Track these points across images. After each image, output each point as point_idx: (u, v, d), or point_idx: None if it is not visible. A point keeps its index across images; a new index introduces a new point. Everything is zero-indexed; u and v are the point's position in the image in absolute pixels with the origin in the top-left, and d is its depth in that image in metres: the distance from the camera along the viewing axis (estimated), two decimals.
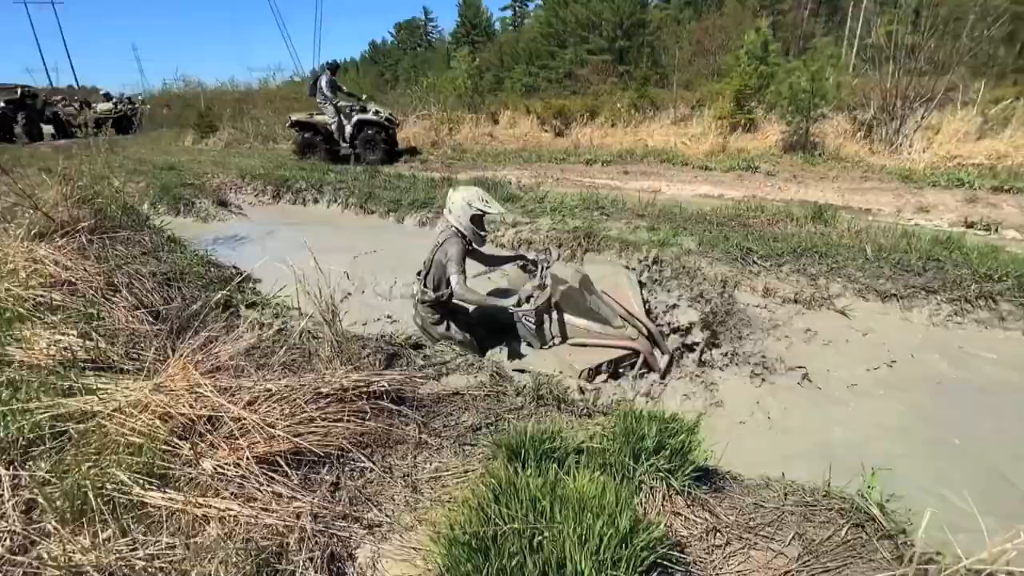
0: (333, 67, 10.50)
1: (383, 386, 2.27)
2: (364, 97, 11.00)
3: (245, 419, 1.94)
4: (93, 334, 2.87)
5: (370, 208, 7.37)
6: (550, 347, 3.19)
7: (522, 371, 3.03)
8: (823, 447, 2.50)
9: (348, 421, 2.10)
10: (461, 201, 3.07)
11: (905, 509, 1.63)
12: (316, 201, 8.08)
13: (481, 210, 3.10)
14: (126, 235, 4.70)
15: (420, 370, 2.76)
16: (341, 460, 2.01)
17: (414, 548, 1.66)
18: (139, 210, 6.21)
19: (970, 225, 5.15)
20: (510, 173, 9.06)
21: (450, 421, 2.31)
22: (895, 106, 8.56)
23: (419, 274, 3.30)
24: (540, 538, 1.31)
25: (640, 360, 3.10)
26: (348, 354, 2.56)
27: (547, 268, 3.32)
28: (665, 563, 1.34)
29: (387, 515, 1.83)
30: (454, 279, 3.02)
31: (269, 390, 2.16)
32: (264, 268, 5.01)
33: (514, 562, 1.25)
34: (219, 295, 3.24)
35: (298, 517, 1.73)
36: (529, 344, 3.30)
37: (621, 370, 3.11)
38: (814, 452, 2.45)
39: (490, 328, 3.43)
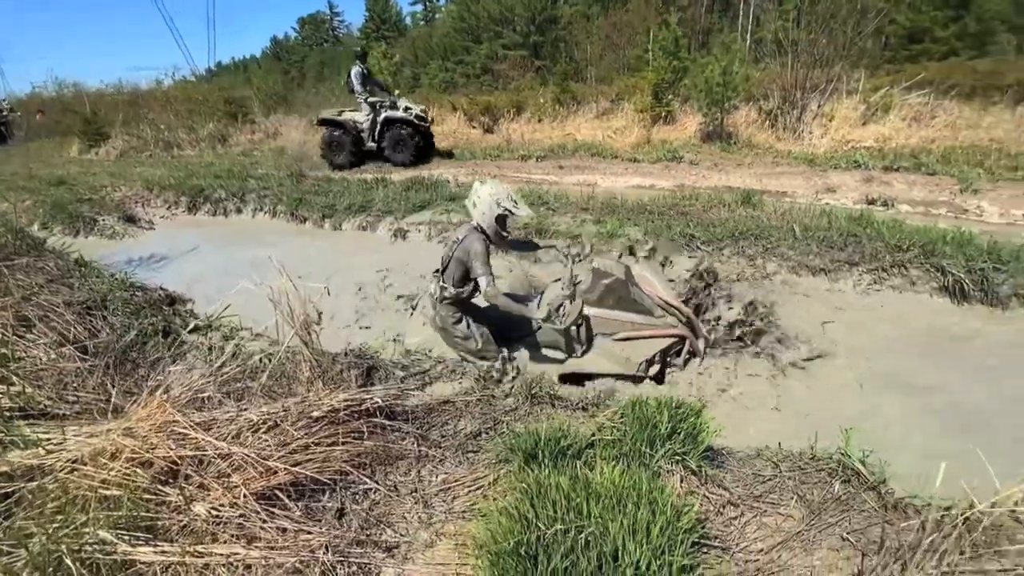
0: (362, 55, 9.59)
1: (376, 403, 2.19)
2: (396, 93, 10.06)
3: (234, 454, 1.80)
4: (13, 377, 2.51)
5: (302, 215, 7.00)
6: (580, 356, 3.08)
7: (589, 377, 2.91)
8: (797, 414, 2.75)
9: (344, 443, 2.01)
10: (489, 197, 2.86)
11: (880, 461, 1.84)
12: (239, 211, 7.55)
13: (509, 210, 2.88)
14: (25, 262, 4.14)
15: (402, 382, 2.69)
16: (342, 484, 1.93)
17: (441, 564, 1.64)
18: (31, 233, 5.48)
19: (871, 202, 5.84)
20: (446, 171, 8.95)
21: (447, 430, 2.28)
22: (795, 96, 9.45)
23: (436, 272, 3.11)
24: (585, 535, 1.35)
25: (685, 346, 3.14)
26: (330, 374, 2.45)
27: (577, 263, 3.24)
28: (700, 541, 1.43)
29: (402, 534, 1.78)
30: (483, 281, 2.82)
31: (252, 420, 2.01)
32: (194, 287, 4.64)
33: (566, 563, 1.27)
34: (192, 325, 2.98)
35: (312, 551, 1.64)
36: (554, 348, 3.18)
37: (669, 358, 3.12)
38: (788, 419, 2.69)
39: (501, 334, 3.25)
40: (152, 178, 8.32)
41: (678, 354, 3.16)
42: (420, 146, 9.82)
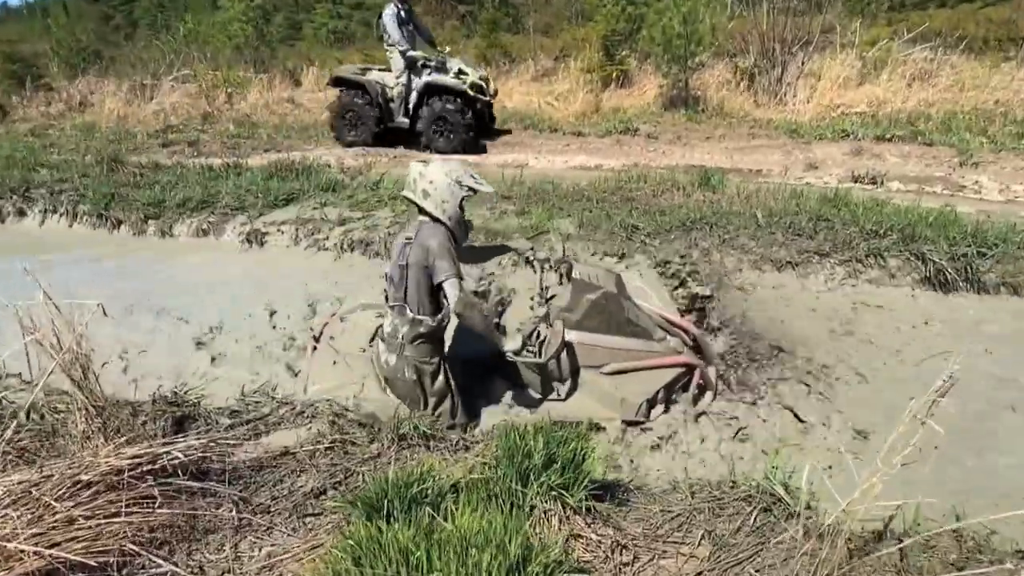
0: None
1: (176, 458, 2.22)
2: (446, 50, 9.16)
3: None
4: None
5: (115, 217, 6.83)
6: (563, 398, 3.11)
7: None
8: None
9: (129, 513, 2.03)
10: (445, 179, 2.89)
11: (809, 484, 2.07)
12: (22, 213, 7.23)
13: (472, 188, 2.97)
14: None
15: (228, 431, 2.71)
16: (125, 568, 1.94)
17: None
18: None
19: (857, 180, 6.42)
20: (327, 153, 8.98)
21: (281, 490, 2.34)
22: (774, 51, 10.22)
23: (391, 306, 2.97)
24: None
25: (695, 378, 3.17)
26: (116, 425, 2.44)
27: (548, 271, 3.26)
28: None
29: None
30: (451, 288, 2.75)
31: None
32: None
33: None
34: None
35: None
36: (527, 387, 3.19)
37: (674, 396, 3.15)
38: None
39: (467, 368, 3.20)
40: None
41: (685, 388, 3.20)
42: (474, 128, 8.97)
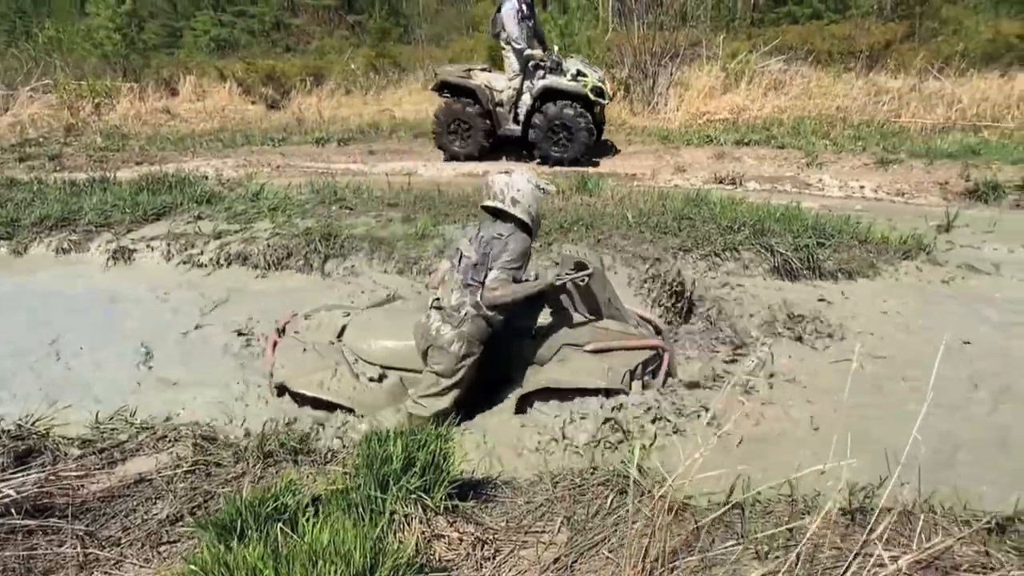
0: None
1: (8, 496, 2.01)
2: (556, 48, 8.07)
3: None
4: None
5: None
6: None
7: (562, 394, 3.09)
8: None
9: None
10: (529, 185, 3.09)
11: (661, 464, 2.16)
12: None
13: (545, 191, 3.21)
14: None
15: (77, 461, 2.49)
16: None
17: None
18: None
19: (720, 181, 6.87)
20: (205, 164, 8.55)
21: (133, 520, 2.18)
22: (646, 63, 10.72)
23: (467, 284, 3.04)
24: None
25: (664, 362, 3.34)
26: None
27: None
28: None
29: None
30: (492, 278, 2.92)
31: None
32: None
33: None
34: None
35: None
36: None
37: (646, 378, 3.31)
38: None
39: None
40: None
41: (654, 374, 3.37)
42: (594, 135, 8.08)
